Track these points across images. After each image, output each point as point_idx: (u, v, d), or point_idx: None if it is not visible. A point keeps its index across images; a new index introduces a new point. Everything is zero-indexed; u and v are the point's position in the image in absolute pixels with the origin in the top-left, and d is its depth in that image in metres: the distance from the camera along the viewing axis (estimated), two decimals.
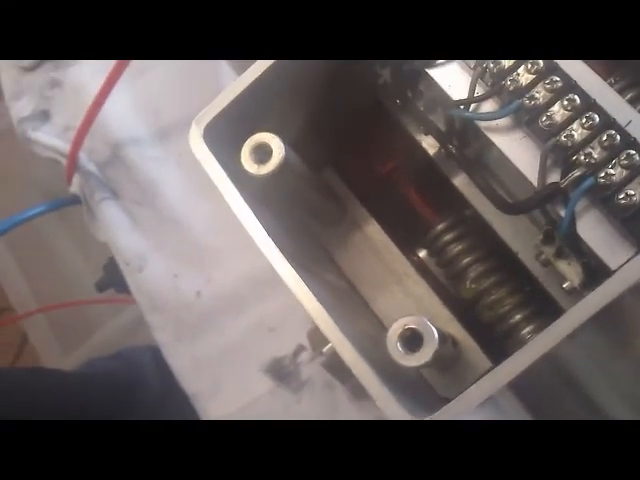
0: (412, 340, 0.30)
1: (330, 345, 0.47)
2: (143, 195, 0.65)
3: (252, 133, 0.33)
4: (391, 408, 0.29)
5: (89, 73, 0.68)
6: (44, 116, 0.71)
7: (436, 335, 0.29)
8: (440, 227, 0.41)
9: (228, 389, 0.60)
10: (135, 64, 0.61)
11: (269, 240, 0.32)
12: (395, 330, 0.30)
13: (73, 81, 0.69)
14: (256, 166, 0.33)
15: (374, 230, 0.42)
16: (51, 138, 0.69)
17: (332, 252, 0.42)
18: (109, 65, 0.61)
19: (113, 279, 0.85)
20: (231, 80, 0.65)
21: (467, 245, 0.40)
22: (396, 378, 0.32)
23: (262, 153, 0.33)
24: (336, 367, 0.48)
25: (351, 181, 0.42)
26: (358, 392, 0.56)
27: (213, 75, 0.66)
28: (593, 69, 0.31)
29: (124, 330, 1.41)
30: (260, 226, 0.32)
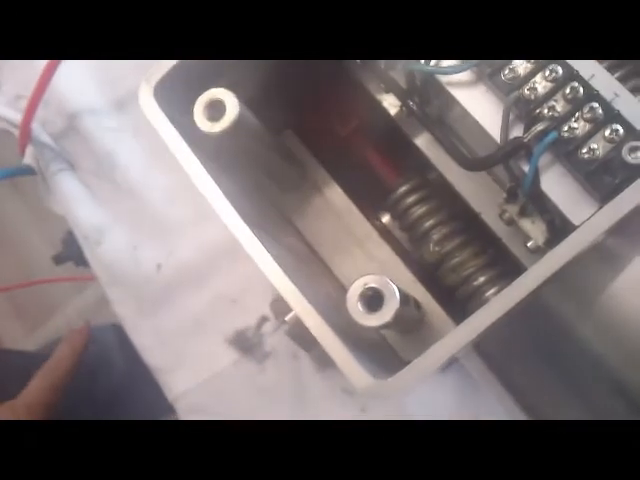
0: (373, 300, 0.29)
1: (293, 313, 0.47)
2: (100, 167, 0.63)
3: (205, 90, 0.32)
4: (354, 372, 0.28)
5: None
6: None
7: (397, 294, 0.28)
8: (402, 190, 0.40)
9: (192, 362, 0.59)
10: None
11: (226, 202, 0.30)
12: (355, 289, 0.28)
13: None
14: (209, 124, 0.31)
15: (335, 194, 0.40)
16: (1, 107, 0.66)
17: (292, 216, 0.41)
18: None
19: (72, 252, 0.83)
20: None
21: (430, 208, 0.39)
22: (359, 343, 0.31)
23: (216, 110, 0.31)
24: (300, 335, 0.47)
25: (311, 143, 0.41)
26: (322, 361, 0.55)
27: None
28: None
29: (86, 308, 1.38)
30: (216, 187, 0.30)
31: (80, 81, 0.66)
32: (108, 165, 0.63)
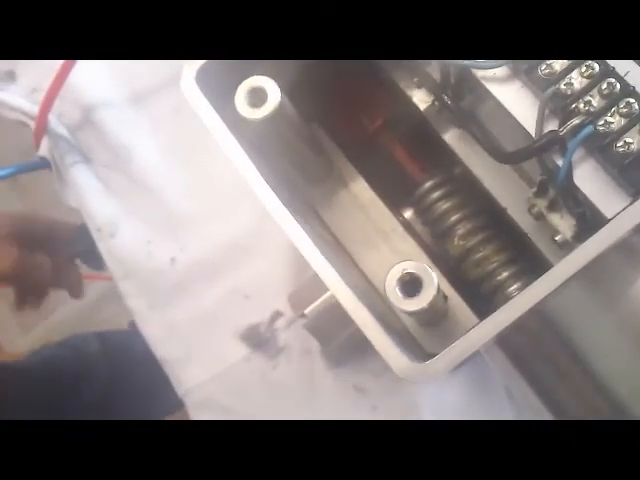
0: (410, 285, 0.29)
1: (314, 305, 0.47)
2: (116, 160, 0.64)
3: (244, 78, 0.32)
4: (392, 354, 0.29)
5: None
6: (10, 77, 0.68)
7: (435, 280, 0.29)
8: (428, 184, 0.41)
9: (202, 356, 0.59)
10: None
11: (265, 185, 0.31)
12: (394, 274, 0.29)
13: None
14: (251, 110, 0.32)
15: (361, 187, 0.41)
16: (17, 99, 0.66)
17: (318, 208, 0.41)
18: None
19: (79, 249, 0.83)
20: None
21: (455, 202, 0.40)
22: (389, 330, 0.32)
23: (257, 97, 0.32)
24: (319, 328, 0.47)
25: (339, 137, 0.41)
26: (336, 358, 0.55)
27: None
28: None
29: (83, 310, 1.38)
30: (256, 171, 0.31)
31: (97, 74, 0.66)
32: (124, 158, 0.63)
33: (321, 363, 0.56)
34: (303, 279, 0.55)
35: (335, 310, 0.46)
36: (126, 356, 0.90)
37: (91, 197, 0.63)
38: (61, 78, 0.60)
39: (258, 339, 0.58)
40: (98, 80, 0.66)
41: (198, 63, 0.33)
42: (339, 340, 0.51)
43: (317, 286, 0.47)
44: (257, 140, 0.35)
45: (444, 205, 0.40)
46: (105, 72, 0.66)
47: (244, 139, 0.34)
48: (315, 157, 0.40)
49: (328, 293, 0.47)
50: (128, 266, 0.61)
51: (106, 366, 0.89)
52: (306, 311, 0.47)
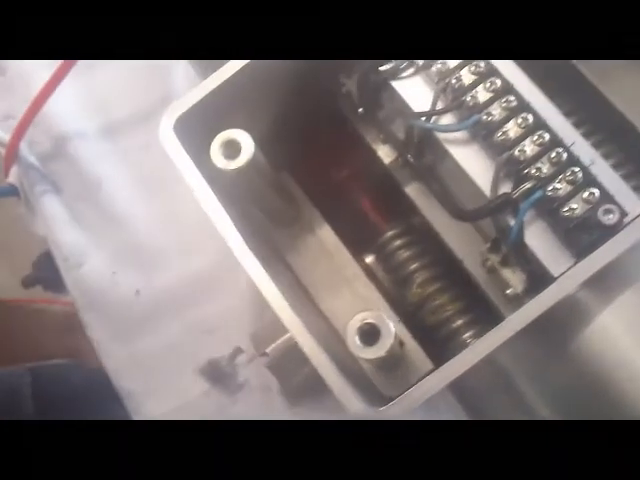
0: (369, 334, 0.31)
1: (274, 345, 0.49)
2: (86, 191, 0.65)
3: (220, 130, 0.34)
4: (348, 398, 0.30)
5: (36, 62, 0.67)
6: None
7: (393, 330, 0.31)
8: (390, 234, 0.43)
9: (163, 389, 0.60)
10: None
11: (236, 233, 0.32)
12: (354, 323, 0.31)
13: (18, 69, 0.68)
14: (225, 161, 0.34)
15: (326, 233, 0.43)
16: None
17: (285, 253, 0.43)
18: None
19: (42, 276, 0.83)
20: (186, 79, 0.66)
21: (414, 252, 0.42)
22: (346, 375, 0.34)
23: (231, 149, 0.34)
24: (280, 366, 0.49)
25: (307, 184, 0.43)
26: (295, 396, 0.57)
27: (165, 73, 0.67)
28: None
29: None
30: (228, 218, 0.33)
31: (70, 105, 0.68)
32: (94, 190, 0.65)
33: (280, 400, 0.57)
34: (265, 317, 0.56)
35: (296, 350, 0.48)
36: (60, 391, 0.87)
37: (59, 227, 0.64)
38: (36, 107, 0.61)
39: (218, 374, 0.60)
40: (71, 111, 0.67)
41: (176, 114, 0.34)
42: (298, 378, 0.52)
43: (279, 326, 0.49)
44: (229, 187, 0.36)
45: (404, 254, 0.42)
46: (79, 104, 0.67)
47: (216, 185, 0.35)
48: (284, 204, 0.42)
49: (288, 334, 0.48)
50: (93, 296, 0.62)
51: (33, 404, 0.86)
52: (268, 350, 0.48)
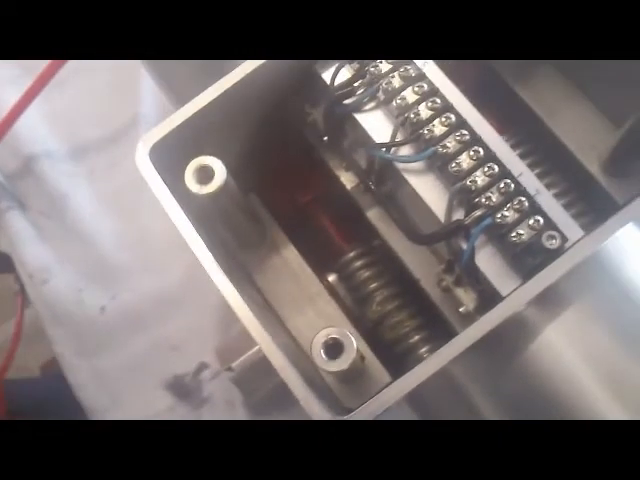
0: (333, 348, 0.34)
1: (239, 360, 0.51)
2: (52, 208, 0.66)
3: (193, 155, 0.37)
4: (314, 408, 0.33)
5: (3, 82, 0.69)
6: None
7: (355, 345, 0.34)
8: (351, 255, 0.45)
9: (127, 404, 0.61)
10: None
11: (207, 251, 0.35)
12: (320, 338, 0.34)
13: None
14: (198, 186, 0.36)
15: (291, 254, 0.46)
16: None
17: (252, 272, 0.45)
18: (24, 74, 0.62)
19: None
20: (152, 98, 0.68)
21: (374, 272, 0.45)
22: (311, 387, 0.36)
23: (204, 174, 0.36)
24: (245, 380, 0.51)
25: (273, 207, 0.46)
26: (258, 408, 0.59)
27: (130, 93, 0.69)
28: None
29: None
30: (200, 238, 0.35)
31: (37, 124, 0.69)
32: (60, 207, 0.66)
33: (243, 413, 0.59)
34: (230, 334, 0.59)
35: (260, 364, 0.50)
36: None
37: (24, 244, 0.65)
38: (4, 128, 0.63)
39: (183, 390, 0.61)
40: (39, 131, 0.68)
41: (153, 140, 0.37)
42: (262, 392, 0.54)
43: (244, 341, 0.52)
44: (200, 209, 0.39)
45: (365, 274, 0.45)
46: (46, 124, 0.69)
47: (189, 207, 0.38)
48: (251, 225, 0.44)
49: (254, 348, 0.51)
50: (58, 312, 0.64)
51: None
52: (233, 365, 0.51)
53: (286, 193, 0.46)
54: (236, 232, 0.44)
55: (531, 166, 0.42)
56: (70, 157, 0.68)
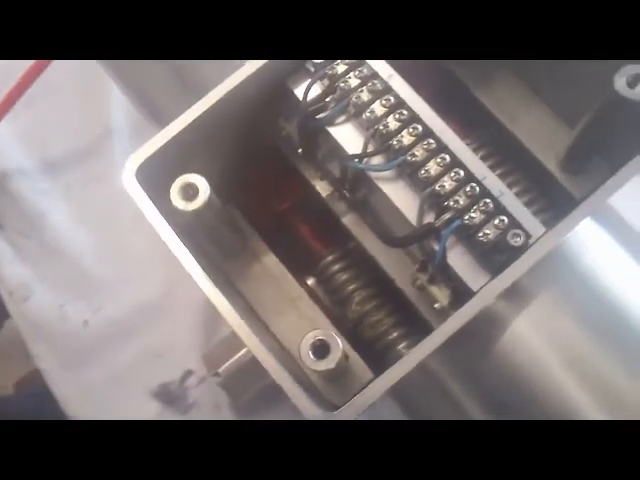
0: (320, 349, 0.37)
1: (226, 365, 0.53)
2: (30, 227, 0.68)
3: (176, 172, 0.39)
4: (305, 405, 0.35)
5: None
6: None
7: (341, 345, 0.36)
8: (329, 259, 0.48)
9: (115, 414, 0.63)
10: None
11: (194, 260, 0.37)
12: (307, 340, 0.36)
13: None
14: (184, 203, 0.38)
15: (271, 260, 0.48)
16: None
17: (234, 281, 0.48)
18: None
19: None
20: (121, 112, 0.69)
21: (352, 274, 0.48)
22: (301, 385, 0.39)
23: (189, 192, 0.38)
24: (232, 385, 0.54)
25: (252, 216, 0.48)
26: (244, 412, 0.62)
27: (100, 108, 0.71)
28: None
29: None
30: (187, 251, 0.37)
31: (9, 142, 0.71)
32: (38, 226, 0.68)
33: (230, 415, 0.62)
34: (214, 340, 0.61)
35: (246, 368, 0.53)
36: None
37: (2, 262, 0.67)
38: None
39: (170, 397, 0.64)
40: (11, 150, 0.70)
41: (138, 161, 0.39)
42: (248, 395, 0.57)
43: (230, 346, 0.54)
44: (184, 223, 0.41)
45: (342, 276, 0.48)
46: (18, 143, 0.70)
47: (173, 221, 0.40)
48: (232, 236, 0.47)
49: (241, 352, 0.53)
50: (41, 329, 0.65)
51: None
52: (220, 370, 0.53)
53: (264, 202, 0.49)
54: (218, 243, 0.47)
55: (494, 167, 0.46)
56: (45, 175, 0.69)
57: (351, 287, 0.48)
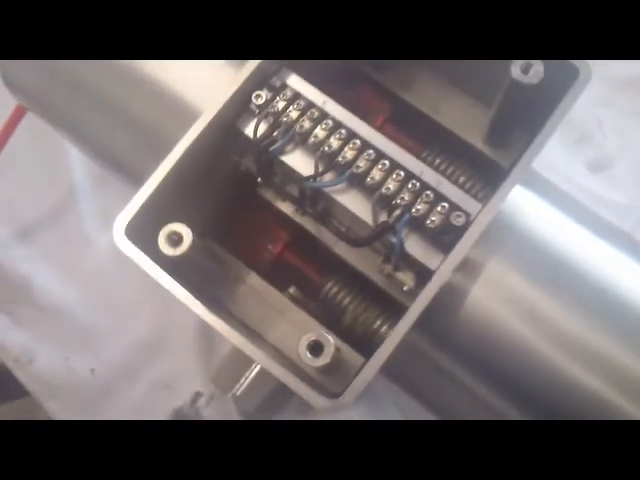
0: (315, 348, 0.44)
1: (240, 384, 0.61)
2: (18, 293, 0.74)
3: (159, 220, 0.46)
4: (312, 396, 0.43)
5: None
6: None
7: (332, 341, 0.44)
8: (302, 266, 0.56)
9: None
10: None
11: (190, 295, 0.44)
12: (303, 342, 0.44)
13: None
14: (171, 249, 0.45)
15: (253, 278, 0.55)
16: None
17: (225, 304, 0.55)
18: None
19: None
20: (82, 171, 0.75)
21: (335, 280, 0.56)
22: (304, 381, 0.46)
23: (174, 238, 0.45)
24: (248, 399, 0.61)
25: (228, 244, 0.56)
26: (253, 416, 0.69)
27: (61, 168, 0.77)
28: (407, 144, 0.49)
29: None
30: (181, 287, 0.44)
31: None
32: (25, 290, 0.74)
33: None
34: (214, 360, 0.68)
35: (256, 381, 0.60)
36: None
37: (1, 333, 0.73)
38: None
39: (184, 418, 0.71)
40: None
41: (125, 222, 0.46)
42: (258, 403, 0.64)
43: (237, 364, 0.61)
44: (171, 264, 0.48)
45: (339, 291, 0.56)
46: None
47: (162, 263, 0.47)
48: (214, 265, 0.54)
49: (250, 368, 0.60)
50: (51, 386, 0.72)
51: None
52: (238, 393, 0.60)
53: (237, 229, 0.56)
54: (203, 273, 0.54)
55: (430, 157, 0.54)
56: (22, 241, 0.75)
57: (327, 286, 0.55)
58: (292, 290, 0.58)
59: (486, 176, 0.56)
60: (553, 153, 0.63)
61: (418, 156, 0.53)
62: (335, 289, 0.55)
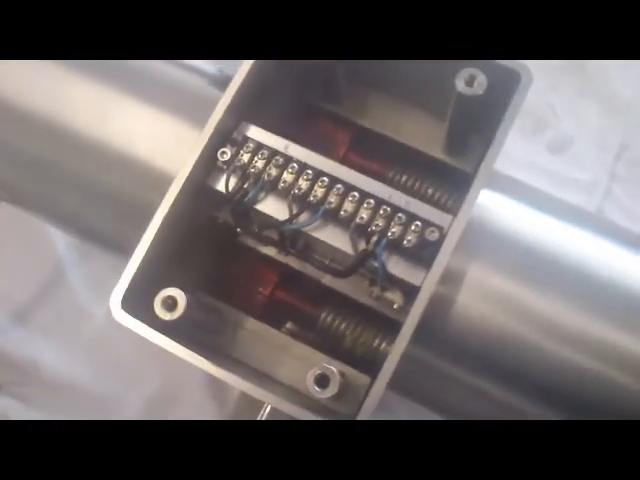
0: (322, 380, 0.47)
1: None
2: (25, 375, 0.76)
3: (153, 286, 0.49)
4: None
5: None
6: None
7: (336, 372, 0.47)
8: (295, 302, 0.59)
9: None
10: None
11: (193, 353, 0.47)
12: (310, 377, 0.47)
13: None
14: (168, 314, 0.49)
15: (250, 322, 0.59)
16: None
17: (227, 351, 0.58)
18: None
19: None
20: (66, 242, 0.78)
21: (333, 308, 0.59)
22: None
23: (169, 302, 0.49)
24: None
25: (219, 294, 0.59)
26: None
27: (44, 245, 0.80)
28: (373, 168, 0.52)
29: None
30: (181, 347, 0.48)
31: None
32: (32, 370, 0.77)
33: None
34: (229, 406, 0.71)
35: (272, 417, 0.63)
36: None
37: (15, 417, 0.76)
38: None
39: None
40: None
41: (119, 295, 0.49)
42: None
43: (250, 408, 0.64)
44: (171, 325, 0.51)
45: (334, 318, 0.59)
46: None
47: (158, 326, 0.50)
48: (210, 318, 0.57)
49: (262, 410, 0.64)
50: None
51: None
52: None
53: (226, 279, 0.59)
54: (201, 327, 0.57)
55: (397, 176, 0.58)
56: (18, 324, 0.78)
57: (322, 316, 0.59)
58: (289, 325, 0.61)
59: (453, 184, 0.59)
60: (514, 144, 0.67)
61: (385, 178, 0.57)
62: (330, 317, 0.59)
